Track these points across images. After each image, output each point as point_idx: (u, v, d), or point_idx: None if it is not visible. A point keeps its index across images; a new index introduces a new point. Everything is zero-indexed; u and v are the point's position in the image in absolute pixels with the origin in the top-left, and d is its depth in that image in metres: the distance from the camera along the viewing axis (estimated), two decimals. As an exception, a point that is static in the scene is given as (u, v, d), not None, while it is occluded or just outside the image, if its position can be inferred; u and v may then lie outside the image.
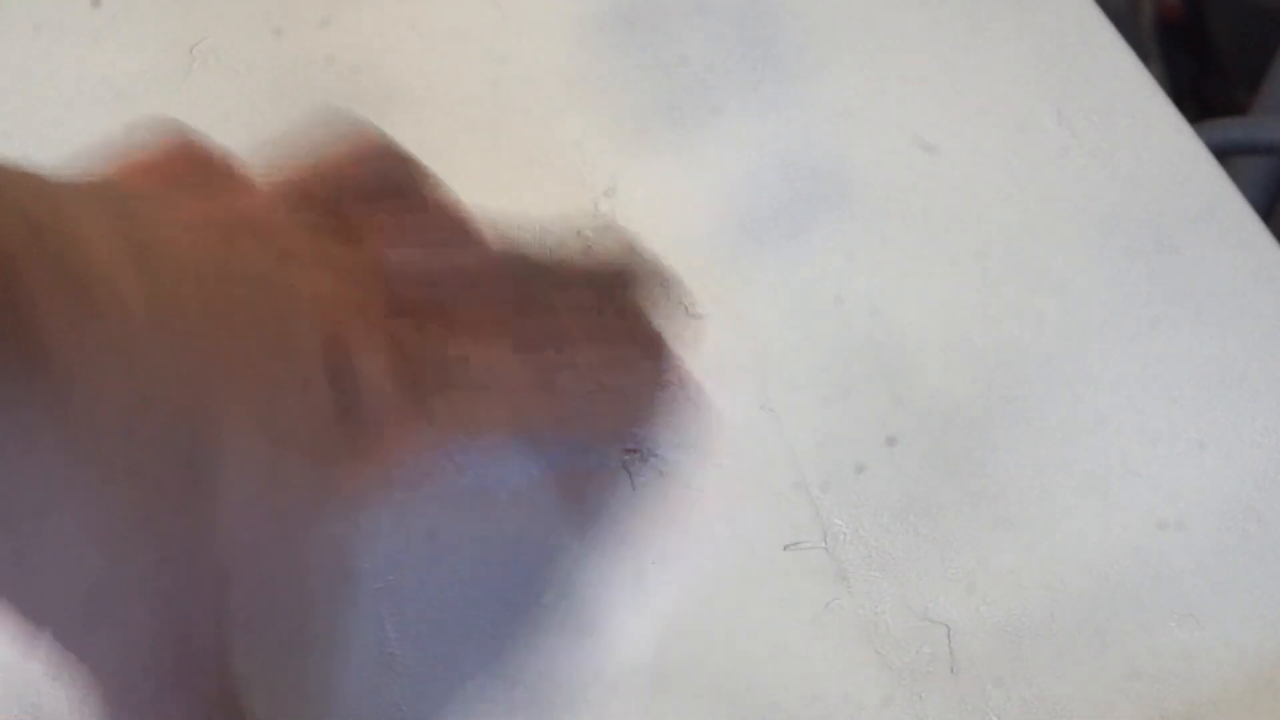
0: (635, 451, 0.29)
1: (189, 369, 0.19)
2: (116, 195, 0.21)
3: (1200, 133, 0.32)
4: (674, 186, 0.32)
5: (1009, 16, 0.33)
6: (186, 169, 0.23)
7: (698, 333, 0.30)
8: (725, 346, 0.30)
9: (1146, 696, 0.26)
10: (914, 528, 0.28)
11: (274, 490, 0.20)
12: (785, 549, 0.28)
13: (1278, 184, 0.55)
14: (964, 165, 0.31)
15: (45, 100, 0.34)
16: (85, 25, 0.35)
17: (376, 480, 0.22)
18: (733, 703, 0.27)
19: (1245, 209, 0.30)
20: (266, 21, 0.35)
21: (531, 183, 0.32)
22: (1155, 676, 0.26)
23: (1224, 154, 0.48)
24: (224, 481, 0.20)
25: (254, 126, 0.34)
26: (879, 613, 0.27)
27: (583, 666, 0.27)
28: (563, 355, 0.24)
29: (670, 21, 0.34)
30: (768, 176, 0.32)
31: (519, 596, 0.27)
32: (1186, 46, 0.81)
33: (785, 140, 0.32)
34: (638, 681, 0.27)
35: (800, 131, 0.32)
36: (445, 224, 0.25)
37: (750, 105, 0.33)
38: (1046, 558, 0.27)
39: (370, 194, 0.24)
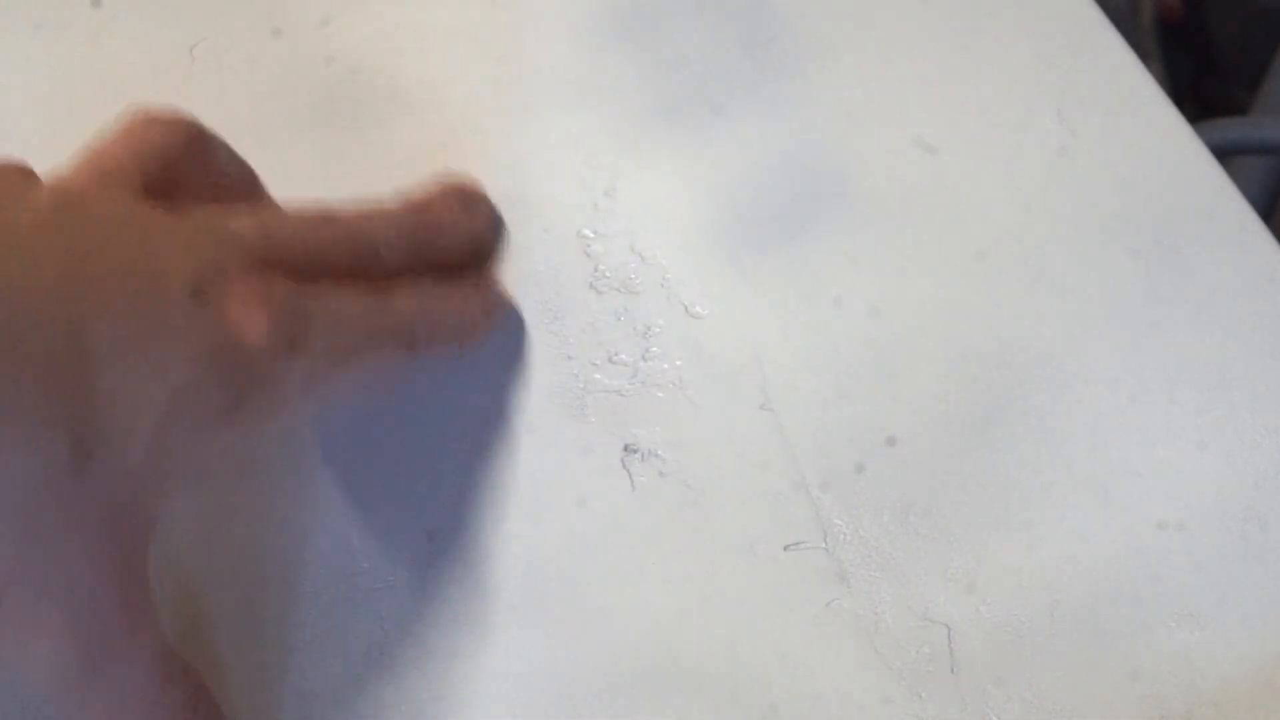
0: (635, 452, 0.29)
1: (61, 288, 0.21)
2: None
3: (1200, 133, 0.32)
4: (674, 186, 0.32)
5: (1009, 16, 0.33)
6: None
7: (698, 333, 0.30)
8: (725, 346, 0.30)
9: (1146, 696, 0.26)
10: (914, 528, 0.28)
11: (176, 404, 0.22)
12: (785, 549, 0.28)
13: (1278, 184, 0.55)
14: (964, 165, 0.31)
15: (45, 100, 0.34)
16: (85, 25, 0.35)
17: (266, 408, 0.24)
18: (733, 703, 0.27)
19: (1245, 209, 0.30)
20: (266, 21, 0.35)
21: (531, 183, 0.32)
22: (1155, 676, 0.26)
23: (1224, 154, 0.48)
24: (110, 402, 0.21)
25: (254, 126, 0.34)
26: (879, 613, 0.27)
27: (583, 666, 0.27)
28: (396, 290, 0.27)
29: (670, 21, 0.34)
30: (768, 176, 0.32)
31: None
32: (1186, 46, 0.82)
33: (785, 140, 0.32)
34: (638, 681, 0.27)
35: (800, 131, 0.32)
36: (253, 192, 0.28)
37: (750, 105, 0.33)
38: (1046, 558, 0.27)
39: (184, 171, 0.26)
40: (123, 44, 0.35)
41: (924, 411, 0.29)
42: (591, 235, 0.31)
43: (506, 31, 0.34)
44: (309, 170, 0.33)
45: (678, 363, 0.30)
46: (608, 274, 0.31)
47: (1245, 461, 0.28)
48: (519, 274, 0.31)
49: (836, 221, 0.31)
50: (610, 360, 0.30)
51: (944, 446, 0.29)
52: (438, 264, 0.29)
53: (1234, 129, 0.49)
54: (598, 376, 0.30)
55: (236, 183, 0.28)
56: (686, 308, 0.30)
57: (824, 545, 0.28)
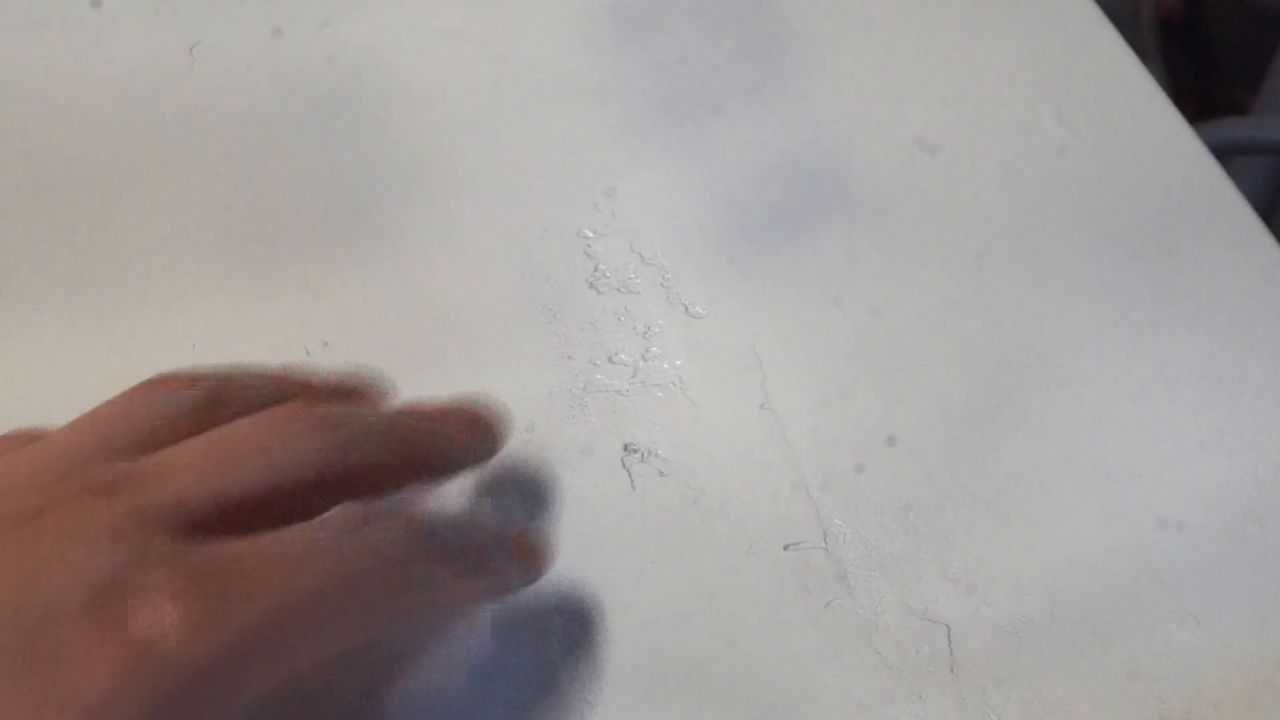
0: (635, 452, 0.29)
1: None
2: None
3: (1200, 133, 0.32)
4: (674, 186, 0.32)
5: (1009, 16, 0.33)
6: None
7: (698, 333, 0.30)
8: (725, 346, 0.30)
9: (1146, 696, 0.26)
10: (914, 528, 0.28)
11: None
12: (785, 549, 0.28)
13: (1278, 184, 0.55)
14: (964, 165, 0.31)
15: (45, 100, 0.34)
16: (85, 25, 0.35)
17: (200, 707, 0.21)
18: (733, 703, 0.27)
19: (1245, 209, 0.30)
20: (266, 21, 0.35)
21: (531, 183, 0.32)
22: (1155, 676, 0.26)
23: (1224, 154, 0.48)
24: None
25: (254, 126, 0.34)
26: (879, 613, 0.27)
27: (583, 666, 0.27)
28: (372, 521, 0.24)
29: (670, 21, 0.34)
30: (768, 176, 0.32)
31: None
32: (1186, 46, 0.82)
33: (785, 140, 0.32)
34: (638, 681, 0.27)
35: (800, 131, 0.32)
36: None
37: (750, 105, 0.33)
38: (1046, 558, 0.27)
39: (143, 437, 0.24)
40: (123, 44, 0.35)
41: (924, 411, 0.29)
42: (591, 235, 0.31)
43: (506, 31, 0.34)
44: (309, 170, 0.33)
45: (678, 363, 0.30)
46: (608, 274, 0.31)
47: (1245, 461, 0.28)
48: (519, 274, 0.31)
49: (836, 221, 0.31)
50: (610, 360, 0.30)
51: (944, 446, 0.29)
52: (424, 472, 0.26)
53: (1234, 129, 0.49)
54: (598, 376, 0.30)
55: (275, 398, 0.26)
56: (686, 308, 0.30)
57: (824, 545, 0.28)
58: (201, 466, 0.23)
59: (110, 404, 0.25)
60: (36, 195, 0.33)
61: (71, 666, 0.20)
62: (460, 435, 0.27)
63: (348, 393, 0.29)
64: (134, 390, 0.25)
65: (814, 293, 0.30)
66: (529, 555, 0.27)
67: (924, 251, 0.31)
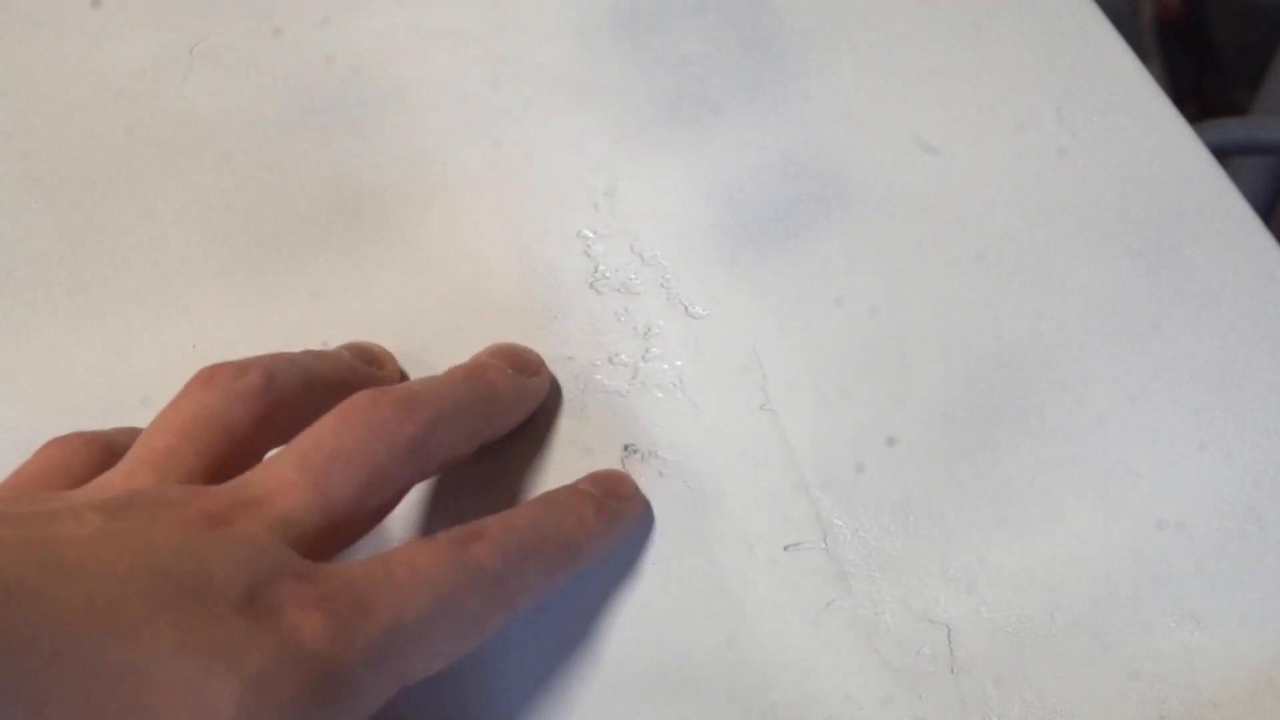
0: (635, 452, 0.29)
1: (107, 610, 0.20)
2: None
3: (1200, 133, 0.32)
4: (674, 186, 0.32)
5: (1009, 16, 0.33)
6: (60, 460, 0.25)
7: (698, 333, 0.30)
8: (725, 346, 0.30)
9: (1146, 696, 0.26)
10: (914, 528, 0.28)
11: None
12: (785, 549, 0.28)
13: (1278, 184, 0.55)
14: (964, 165, 0.31)
15: (45, 100, 0.34)
16: (85, 25, 0.35)
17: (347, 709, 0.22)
18: (732, 703, 0.27)
19: (1245, 209, 0.30)
20: (266, 21, 0.35)
21: (531, 183, 0.32)
22: (1155, 676, 0.26)
23: (1224, 154, 0.48)
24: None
25: (254, 126, 0.34)
26: (879, 613, 0.27)
27: (583, 666, 0.27)
28: (481, 532, 0.25)
29: (670, 21, 0.34)
30: (768, 176, 0.32)
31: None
32: (1186, 46, 0.82)
33: (785, 140, 0.32)
34: (638, 681, 0.27)
35: (800, 131, 0.32)
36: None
37: (750, 105, 0.33)
38: (1046, 558, 0.27)
39: (257, 438, 0.26)
40: (123, 44, 0.35)
41: (924, 411, 0.29)
42: (591, 235, 0.31)
43: (506, 31, 0.34)
44: (309, 170, 0.33)
45: (678, 363, 0.30)
46: (608, 274, 0.31)
47: (1245, 461, 0.28)
48: (519, 274, 0.31)
49: (836, 221, 0.31)
50: (610, 360, 0.30)
51: (944, 446, 0.29)
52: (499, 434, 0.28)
53: (1234, 129, 0.49)
54: (598, 376, 0.30)
55: (338, 387, 0.27)
56: (686, 308, 0.30)
57: (824, 545, 0.28)
58: (300, 486, 0.24)
59: (179, 410, 0.26)
60: (36, 195, 0.33)
61: (234, 643, 0.21)
62: (508, 385, 0.28)
63: (371, 360, 0.29)
64: (192, 391, 0.26)
65: (814, 293, 0.30)
66: (616, 496, 0.28)
67: (924, 251, 0.31)
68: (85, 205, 0.33)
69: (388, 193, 0.32)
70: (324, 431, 0.25)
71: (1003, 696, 0.26)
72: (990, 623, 0.27)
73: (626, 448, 0.29)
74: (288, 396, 0.26)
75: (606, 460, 0.29)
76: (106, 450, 0.26)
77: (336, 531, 0.24)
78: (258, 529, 0.23)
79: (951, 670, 0.27)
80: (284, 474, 0.24)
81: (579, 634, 0.27)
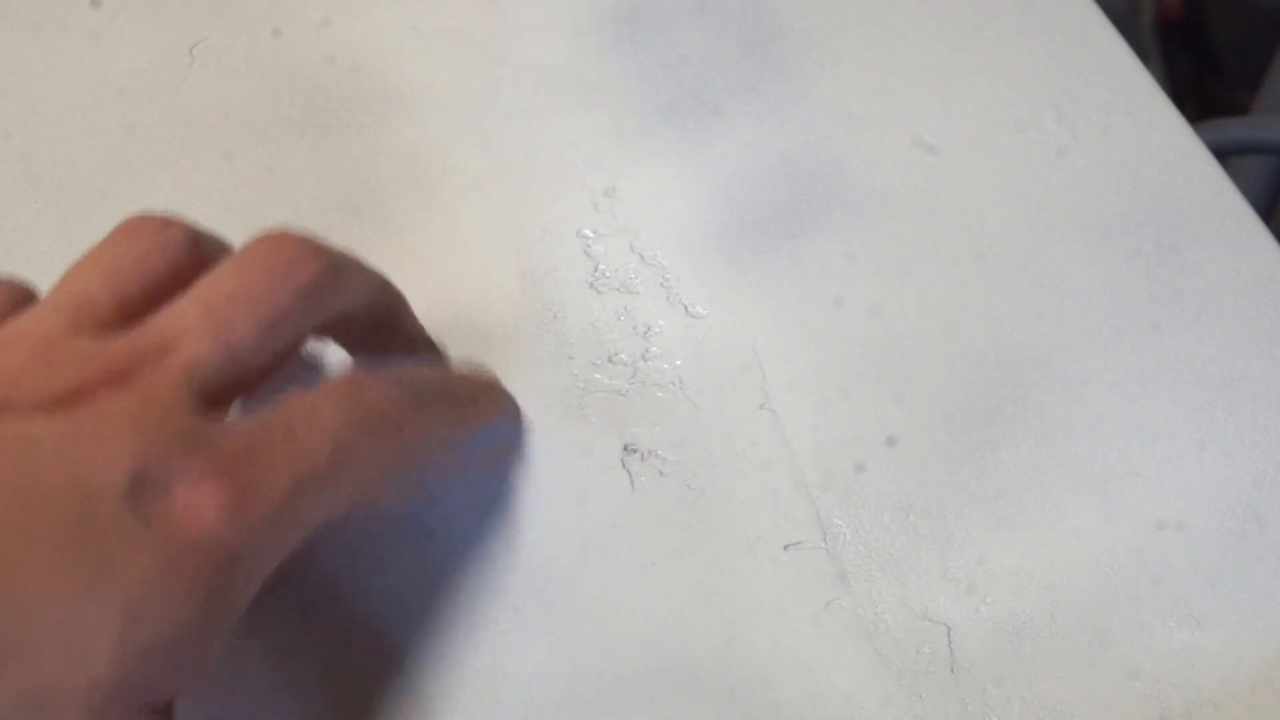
0: (635, 452, 0.29)
1: None
2: None
3: (1200, 133, 0.32)
4: (674, 186, 0.32)
5: (1009, 16, 0.33)
6: None
7: (698, 333, 0.30)
8: (725, 346, 0.30)
9: (1146, 696, 0.26)
10: (914, 528, 0.28)
11: (131, 630, 0.20)
12: (785, 549, 0.28)
13: (1278, 184, 0.55)
14: (964, 165, 0.31)
15: (45, 100, 0.34)
16: (85, 25, 0.35)
17: (241, 589, 0.22)
18: (733, 703, 0.27)
19: (1245, 209, 0.30)
20: (266, 21, 0.35)
21: (531, 183, 0.32)
22: (1155, 676, 0.26)
23: (1224, 154, 0.48)
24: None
25: (254, 126, 0.34)
26: (879, 613, 0.27)
27: (583, 666, 0.27)
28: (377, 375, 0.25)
29: (670, 21, 0.34)
30: (768, 176, 0.32)
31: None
32: (1186, 46, 0.82)
33: (785, 140, 0.32)
34: (638, 681, 0.27)
35: (800, 131, 0.32)
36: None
37: (750, 105, 0.33)
38: (1046, 558, 0.27)
39: (162, 287, 0.24)
40: (123, 44, 0.35)
41: (924, 411, 0.29)
42: (591, 235, 0.31)
43: (506, 31, 0.34)
44: (309, 170, 0.33)
45: (678, 363, 0.30)
46: (608, 274, 0.31)
47: (1245, 461, 0.28)
48: (519, 273, 0.31)
49: (836, 221, 0.31)
50: (610, 360, 0.30)
51: (944, 446, 0.29)
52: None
53: (1234, 129, 0.49)
54: (598, 376, 0.30)
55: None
56: (686, 308, 0.31)
57: (824, 545, 0.28)
58: (201, 330, 0.23)
59: (100, 255, 0.25)
60: (36, 195, 0.33)
61: (116, 553, 0.20)
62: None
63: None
64: (116, 237, 0.25)
65: (814, 293, 0.30)
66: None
67: (924, 251, 0.31)
68: (85, 205, 0.33)
69: (387, 193, 0.32)
70: (223, 273, 0.24)
71: (1002, 696, 0.26)
72: (990, 622, 0.27)
73: (626, 447, 0.29)
74: (211, 255, 0.25)
75: (607, 460, 0.29)
76: (20, 292, 0.25)
77: (237, 378, 0.23)
78: (161, 388, 0.22)
79: (951, 670, 0.27)
80: (184, 317, 0.23)
81: (579, 634, 0.27)
